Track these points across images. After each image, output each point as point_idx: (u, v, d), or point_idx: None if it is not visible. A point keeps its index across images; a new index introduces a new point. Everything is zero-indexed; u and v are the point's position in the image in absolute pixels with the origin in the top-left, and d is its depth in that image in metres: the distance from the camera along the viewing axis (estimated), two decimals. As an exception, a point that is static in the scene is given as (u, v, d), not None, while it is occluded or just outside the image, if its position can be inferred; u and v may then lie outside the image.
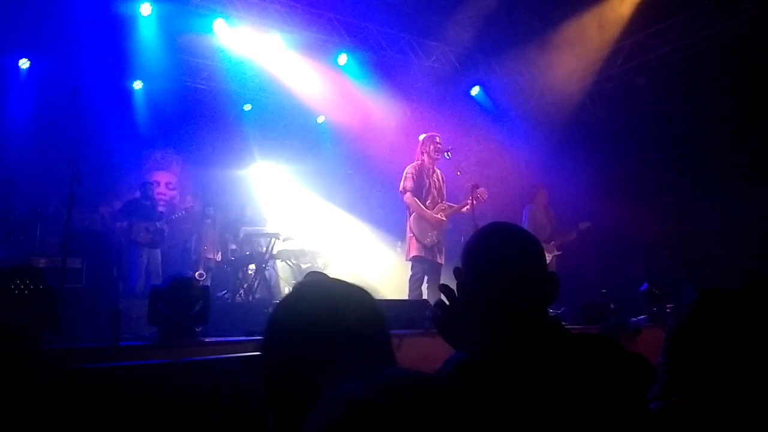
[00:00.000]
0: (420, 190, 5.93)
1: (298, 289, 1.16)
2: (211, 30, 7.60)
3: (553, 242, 7.30)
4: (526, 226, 7.38)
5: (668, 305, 5.12)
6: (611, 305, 5.28)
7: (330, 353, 1.01)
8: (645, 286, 5.40)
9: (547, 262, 7.06)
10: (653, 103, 7.76)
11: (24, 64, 7.85)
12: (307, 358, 1.02)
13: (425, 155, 6.02)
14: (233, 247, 8.12)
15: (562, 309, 5.51)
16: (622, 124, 8.10)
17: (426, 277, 5.77)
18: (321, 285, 1.15)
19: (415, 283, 5.72)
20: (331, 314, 1.05)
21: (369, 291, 1.13)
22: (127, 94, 8.56)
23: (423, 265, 5.77)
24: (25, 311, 3.36)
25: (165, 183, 8.78)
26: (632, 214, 7.66)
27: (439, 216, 5.87)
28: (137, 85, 8.62)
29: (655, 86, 7.84)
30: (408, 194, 5.90)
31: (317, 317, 1.05)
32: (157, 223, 7.13)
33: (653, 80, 7.91)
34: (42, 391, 2.82)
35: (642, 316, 5.24)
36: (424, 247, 5.79)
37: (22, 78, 7.87)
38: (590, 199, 7.82)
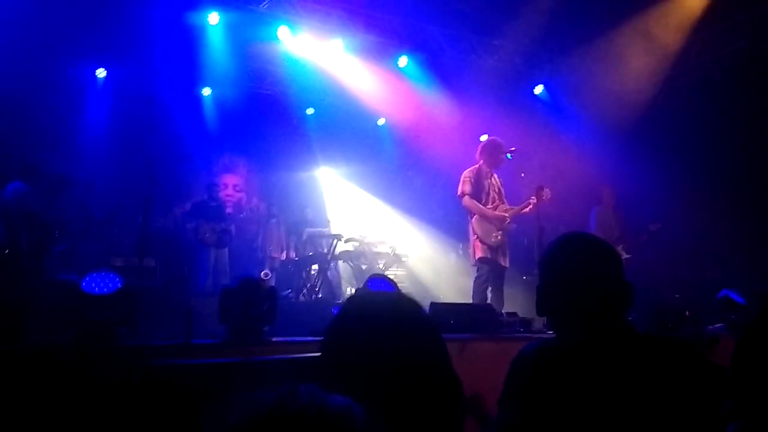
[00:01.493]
0: (479, 193, 5.85)
1: (362, 300, 1.17)
2: (275, 37, 7.79)
3: (621, 245, 7.05)
4: (593, 227, 7.16)
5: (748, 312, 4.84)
6: (686, 312, 5.03)
7: (385, 373, 1.02)
8: (723, 292, 5.10)
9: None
10: (728, 99, 7.36)
11: (101, 73, 8.30)
12: (361, 374, 1.03)
13: (483, 158, 5.95)
14: (296, 248, 8.29)
15: (633, 316, 5.30)
16: (694, 121, 7.73)
17: (491, 280, 5.69)
18: (382, 299, 1.16)
19: (480, 285, 5.64)
20: (394, 331, 1.06)
21: (423, 309, 1.15)
22: (197, 100, 8.90)
23: (489, 267, 5.69)
24: (106, 309, 3.54)
25: (233, 185, 9.07)
26: (705, 216, 7.30)
27: (501, 219, 5.78)
28: (206, 91, 8.95)
29: (731, 82, 7.44)
30: (466, 197, 5.84)
31: (379, 334, 1.06)
32: (223, 224, 7.36)
33: (728, 76, 7.50)
34: (121, 385, 2.97)
35: (719, 325, 4.97)
36: (489, 247, 5.71)
37: (99, 86, 8.32)
38: (660, 200, 7.51)
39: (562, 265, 1.57)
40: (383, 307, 1.17)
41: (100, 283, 3.64)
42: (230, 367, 2.88)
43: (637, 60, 8.01)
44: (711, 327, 4.86)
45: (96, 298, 3.56)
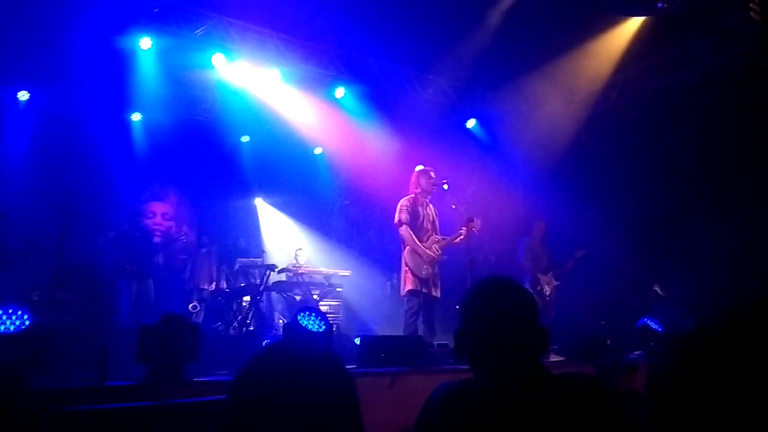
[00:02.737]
0: (414, 222, 5.93)
1: (270, 353, 1.14)
2: (210, 64, 7.69)
3: (551, 272, 7.29)
4: (522, 257, 7.38)
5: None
6: (608, 341, 5.23)
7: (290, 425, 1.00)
8: (642, 320, 5.35)
9: (547, 293, 7.12)
10: (648, 135, 7.83)
11: (23, 96, 7.92)
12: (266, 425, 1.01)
13: (419, 188, 6.04)
14: (227, 278, 8.08)
15: (558, 345, 5.46)
16: (616, 156, 8.16)
17: (421, 312, 5.72)
18: (295, 352, 1.14)
19: (410, 317, 5.66)
20: (299, 389, 1.04)
21: (341, 367, 1.13)
22: (126, 126, 8.62)
23: (418, 299, 5.73)
24: (13, 349, 3.32)
25: (161, 213, 8.75)
26: (627, 246, 7.67)
27: (432, 252, 5.85)
28: (136, 117, 8.69)
29: (650, 120, 7.92)
30: (403, 227, 5.90)
31: (285, 389, 1.03)
32: (146, 254, 7.05)
33: (647, 114, 7.99)
34: (26, 433, 2.77)
35: (639, 352, 5.19)
36: (420, 280, 5.76)
37: (21, 110, 7.93)
38: (587, 229, 7.84)
39: (481, 310, 1.60)
40: (297, 363, 1.14)
41: (7, 321, 3.42)
42: (145, 411, 2.75)
43: (562, 98, 8.42)
44: (631, 354, 5.07)
45: (2, 337, 3.34)
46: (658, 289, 7.35)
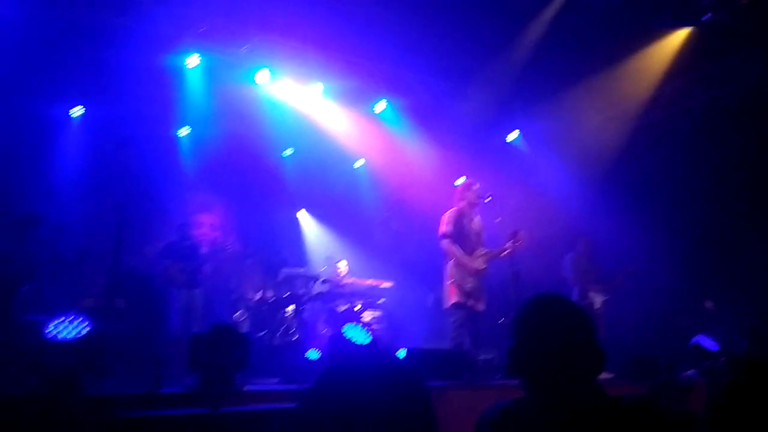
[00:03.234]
0: (459, 235, 5.90)
1: (346, 364, 1.14)
2: (254, 80, 7.88)
3: (600, 286, 7.13)
4: (568, 272, 7.23)
5: (721, 358, 4.89)
6: (661, 360, 5.06)
7: None
8: (695, 338, 5.18)
9: (597, 306, 6.94)
10: (696, 149, 7.63)
11: (77, 112, 8.26)
12: None
13: (464, 201, 6.02)
14: (272, 288, 8.19)
15: (609, 364, 5.31)
16: (664, 170, 7.96)
17: (466, 325, 5.66)
18: (372, 363, 1.13)
19: (455, 330, 5.60)
20: (380, 400, 1.04)
21: (420, 381, 1.12)
22: (174, 140, 8.89)
23: (462, 312, 5.68)
24: (72, 356, 3.44)
25: (209, 224, 8.98)
26: (677, 261, 7.45)
27: (477, 264, 5.80)
28: (184, 131, 8.95)
29: (698, 133, 7.71)
30: (447, 240, 5.87)
31: (366, 399, 1.03)
32: (194, 263, 7.22)
33: (695, 127, 7.78)
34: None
35: (692, 371, 5.01)
36: (464, 293, 5.71)
37: (74, 125, 8.28)
38: (635, 247, 7.65)
39: (535, 328, 1.56)
40: (375, 374, 1.14)
41: (67, 328, 3.55)
42: (198, 419, 2.80)
43: (606, 111, 8.27)
44: (685, 374, 4.90)
45: (61, 344, 3.46)
46: (709, 305, 7.09)
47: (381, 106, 8.75)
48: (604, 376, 5.39)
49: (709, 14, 6.38)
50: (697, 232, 7.57)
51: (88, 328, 3.46)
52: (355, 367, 1.11)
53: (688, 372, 4.93)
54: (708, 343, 5.05)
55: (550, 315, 1.57)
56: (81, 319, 3.45)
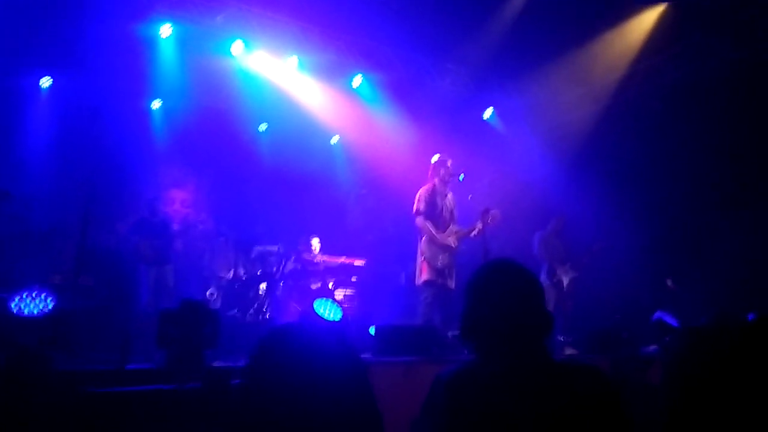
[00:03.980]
0: (432, 212, 5.94)
1: (281, 338, 1.16)
2: (229, 51, 7.73)
3: (568, 264, 7.25)
4: (536, 250, 7.34)
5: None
6: (623, 334, 5.21)
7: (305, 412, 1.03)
8: (657, 314, 5.33)
9: (565, 284, 7.07)
10: (667, 127, 7.72)
11: (45, 82, 8.04)
12: (282, 410, 1.03)
13: (437, 178, 6.05)
14: (244, 266, 8.17)
15: (574, 337, 5.45)
16: (635, 148, 8.06)
17: (436, 302, 5.74)
18: (307, 337, 1.16)
19: (425, 307, 5.68)
20: (312, 374, 1.06)
21: (354, 354, 1.15)
22: (146, 113, 8.72)
23: (434, 289, 5.75)
24: (37, 332, 3.41)
25: (180, 200, 8.86)
26: (643, 239, 7.60)
27: (449, 242, 5.86)
28: (156, 104, 8.78)
29: (670, 111, 7.81)
30: (420, 218, 5.91)
31: (298, 373, 1.06)
32: (164, 240, 7.13)
33: (667, 105, 7.88)
34: (51, 413, 2.86)
35: (654, 346, 5.17)
36: (435, 270, 5.78)
37: (43, 96, 8.06)
38: (604, 222, 7.77)
39: (486, 292, 1.60)
40: (310, 344, 1.17)
41: (31, 304, 3.51)
42: (166, 395, 2.82)
43: (580, 88, 8.32)
44: (646, 348, 5.05)
45: (26, 320, 3.43)
46: (669, 282, 7.27)
47: (357, 81, 8.67)
48: (569, 351, 5.54)
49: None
50: (664, 210, 7.72)
51: (53, 304, 3.43)
52: (290, 342, 1.13)
53: (650, 347, 5.09)
54: (669, 319, 5.21)
55: (499, 279, 1.61)
56: (46, 294, 3.42)
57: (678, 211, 7.62)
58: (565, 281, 7.09)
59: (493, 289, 1.59)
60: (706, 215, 7.28)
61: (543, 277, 6.98)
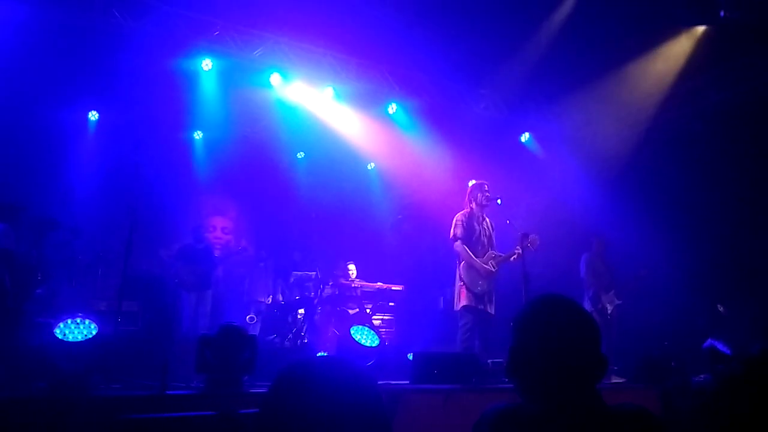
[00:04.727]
0: (470, 237, 5.87)
1: (293, 372, 1.14)
2: (268, 83, 7.92)
3: (613, 291, 7.04)
4: (583, 273, 7.16)
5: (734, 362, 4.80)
6: (672, 363, 4.99)
7: None
8: (708, 342, 5.09)
9: (609, 311, 6.85)
10: (710, 149, 7.50)
11: (93, 116, 8.38)
12: None
13: (473, 203, 5.99)
14: (282, 291, 8.23)
15: (619, 366, 5.25)
16: (677, 170, 7.84)
17: (476, 329, 5.63)
18: (317, 369, 1.15)
19: (465, 333, 5.58)
20: (322, 404, 1.05)
21: (370, 383, 1.14)
22: (187, 144, 8.97)
23: (473, 316, 5.65)
24: (80, 357, 3.48)
25: (221, 227, 9.05)
26: (690, 263, 7.33)
27: (488, 266, 5.77)
28: (198, 135, 9.03)
29: (712, 133, 7.59)
30: (458, 242, 5.85)
31: (317, 407, 1.05)
32: (205, 266, 7.25)
33: (709, 127, 7.66)
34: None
35: (705, 375, 4.93)
36: (475, 296, 5.68)
37: (91, 129, 8.40)
38: (648, 249, 7.53)
39: (538, 329, 1.50)
40: (325, 377, 1.15)
41: (75, 330, 3.59)
42: (204, 421, 2.81)
43: (620, 110, 8.18)
44: (697, 378, 4.82)
45: (69, 346, 3.51)
46: (721, 308, 6.96)
47: (393, 108, 8.75)
48: (615, 380, 5.33)
49: (722, 12, 6.27)
50: (710, 234, 7.45)
51: (96, 330, 3.49)
52: (308, 372, 1.12)
53: (701, 376, 4.85)
54: (721, 346, 4.97)
55: (552, 316, 1.52)
56: (89, 320, 3.49)
57: (727, 234, 7.33)
58: (610, 308, 6.88)
59: (545, 327, 1.49)
60: (756, 238, 6.98)
61: (587, 304, 6.78)
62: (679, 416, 3.93)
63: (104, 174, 7.94)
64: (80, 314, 3.49)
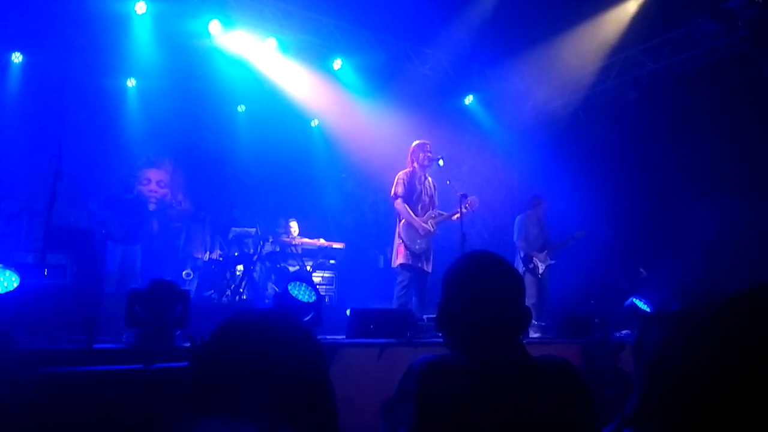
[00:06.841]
0: (411, 196, 5.92)
1: (236, 321, 1.14)
2: (206, 31, 7.58)
3: (546, 251, 7.28)
4: (517, 234, 7.36)
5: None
6: (595, 320, 5.27)
7: (254, 386, 1.01)
8: (630, 300, 5.39)
9: (540, 271, 7.11)
10: (645, 117, 7.79)
11: (17, 58, 7.82)
12: (233, 389, 1.02)
13: (415, 162, 6.02)
14: (221, 247, 8.10)
15: (547, 322, 5.49)
16: (614, 137, 8.12)
17: (412, 285, 5.74)
18: (259, 319, 1.14)
19: (401, 291, 5.69)
20: (263, 352, 1.05)
21: (310, 336, 1.14)
22: (122, 91, 8.53)
23: (410, 273, 5.75)
24: (2, 311, 3.33)
25: (156, 181, 8.72)
26: (621, 227, 7.68)
27: (428, 225, 5.85)
28: (131, 82, 8.59)
29: (647, 101, 7.87)
30: (399, 200, 5.89)
31: (249, 352, 1.05)
32: (135, 218, 6.96)
33: (645, 95, 7.93)
34: (12, 393, 2.79)
35: (626, 331, 5.24)
36: (412, 254, 5.77)
37: (15, 72, 7.84)
38: (584, 210, 7.82)
39: (465, 285, 1.56)
40: (267, 327, 1.15)
41: (-3, 282, 3.41)
42: (131, 375, 2.77)
43: (560, 77, 8.33)
44: (618, 333, 5.11)
45: (-11, 299, 3.34)
46: (643, 271, 7.35)
47: (338, 64, 8.57)
48: (534, 335, 5.55)
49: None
50: (641, 199, 7.80)
51: (18, 282, 3.34)
52: (250, 321, 1.12)
53: (622, 332, 5.15)
54: (642, 304, 5.27)
55: (478, 271, 1.58)
56: (9, 273, 3.33)
57: (653, 200, 7.69)
58: (541, 269, 7.12)
59: (471, 282, 1.55)
60: (680, 204, 7.35)
61: (518, 263, 7.01)
62: (597, 368, 4.18)
63: (29, 119, 7.47)
64: (0, 266, 3.33)
